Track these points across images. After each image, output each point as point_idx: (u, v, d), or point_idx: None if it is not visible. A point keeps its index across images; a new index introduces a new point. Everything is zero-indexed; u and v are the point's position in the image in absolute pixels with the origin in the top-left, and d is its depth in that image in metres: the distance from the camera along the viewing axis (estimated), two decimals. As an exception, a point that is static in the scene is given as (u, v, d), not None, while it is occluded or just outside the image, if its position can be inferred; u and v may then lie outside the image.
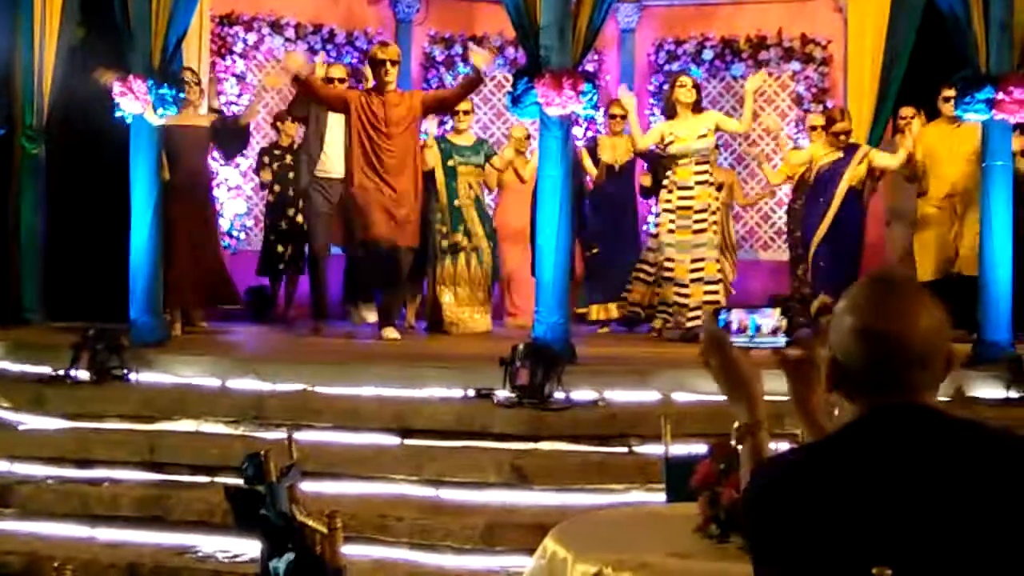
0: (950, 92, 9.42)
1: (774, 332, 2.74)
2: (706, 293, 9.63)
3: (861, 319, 2.27)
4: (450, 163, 10.46)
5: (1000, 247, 7.98)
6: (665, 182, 9.96)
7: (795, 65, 13.00)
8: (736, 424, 2.65)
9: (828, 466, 2.20)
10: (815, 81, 12.93)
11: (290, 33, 12.71)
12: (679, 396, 7.13)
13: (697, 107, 9.92)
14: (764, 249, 12.99)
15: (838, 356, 2.31)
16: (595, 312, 10.89)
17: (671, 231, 9.77)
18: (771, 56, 13.05)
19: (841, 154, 9.88)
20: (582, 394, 7.30)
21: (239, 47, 12.40)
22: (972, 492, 2.13)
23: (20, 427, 7.70)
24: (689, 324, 9.59)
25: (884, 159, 9.99)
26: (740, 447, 2.63)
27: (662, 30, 13.52)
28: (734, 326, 2.76)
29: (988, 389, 7.49)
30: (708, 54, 13.21)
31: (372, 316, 9.61)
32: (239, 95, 12.31)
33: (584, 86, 7.82)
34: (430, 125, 10.86)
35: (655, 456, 5.85)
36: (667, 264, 9.79)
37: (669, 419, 4.52)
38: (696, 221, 9.70)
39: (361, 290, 9.76)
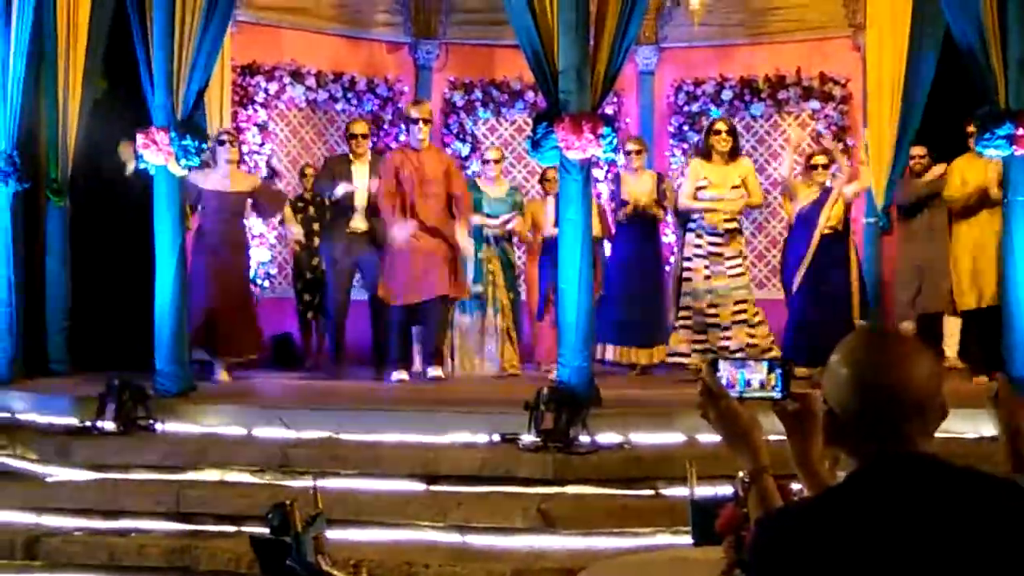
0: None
1: (763, 386, 2.75)
2: (748, 336, 9.65)
3: (857, 371, 2.29)
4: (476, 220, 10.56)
5: (1025, 282, 7.95)
6: (692, 225, 9.90)
7: (814, 104, 13.02)
8: (740, 473, 2.67)
9: (834, 518, 2.20)
10: (835, 119, 12.94)
11: (311, 82, 12.80)
12: (704, 438, 7.08)
13: (734, 154, 9.90)
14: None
15: (835, 409, 2.32)
16: (619, 354, 10.77)
17: (707, 277, 9.72)
18: (790, 95, 13.07)
19: (817, 195, 9.95)
20: (607, 437, 7.28)
21: (260, 97, 12.49)
22: (976, 541, 2.13)
23: (47, 479, 7.72)
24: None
25: (850, 187, 10.14)
26: (748, 494, 2.65)
27: (681, 71, 13.56)
28: (724, 380, 2.77)
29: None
30: (727, 94, 13.23)
31: (402, 376, 9.89)
32: (261, 144, 12.38)
33: (603, 129, 7.84)
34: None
35: (681, 499, 5.81)
36: (710, 311, 9.69)
37: (695, 461, 4.51)
38: (730, 267, 9.72)
39: (394, 351, 10.03)
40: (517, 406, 7.30)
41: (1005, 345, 8.04)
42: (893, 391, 2.25)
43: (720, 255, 9.71)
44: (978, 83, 8.08)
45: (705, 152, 9.92)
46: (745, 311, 9.71)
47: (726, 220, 9.76)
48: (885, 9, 11.39)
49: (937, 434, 2.32)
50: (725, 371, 2.79)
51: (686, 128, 13.32)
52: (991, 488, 2.23)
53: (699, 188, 9.80)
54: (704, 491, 4.45)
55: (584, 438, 7.18)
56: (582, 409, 7.26)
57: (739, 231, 9.93)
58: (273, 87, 12.57)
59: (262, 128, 12.48)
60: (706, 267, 9.71)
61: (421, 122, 9.91)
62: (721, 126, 9.91)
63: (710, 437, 7.08)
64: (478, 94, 13.50)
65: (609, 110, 12.24)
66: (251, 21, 12.39)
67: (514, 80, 13.37)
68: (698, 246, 9.78)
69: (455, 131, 13.40)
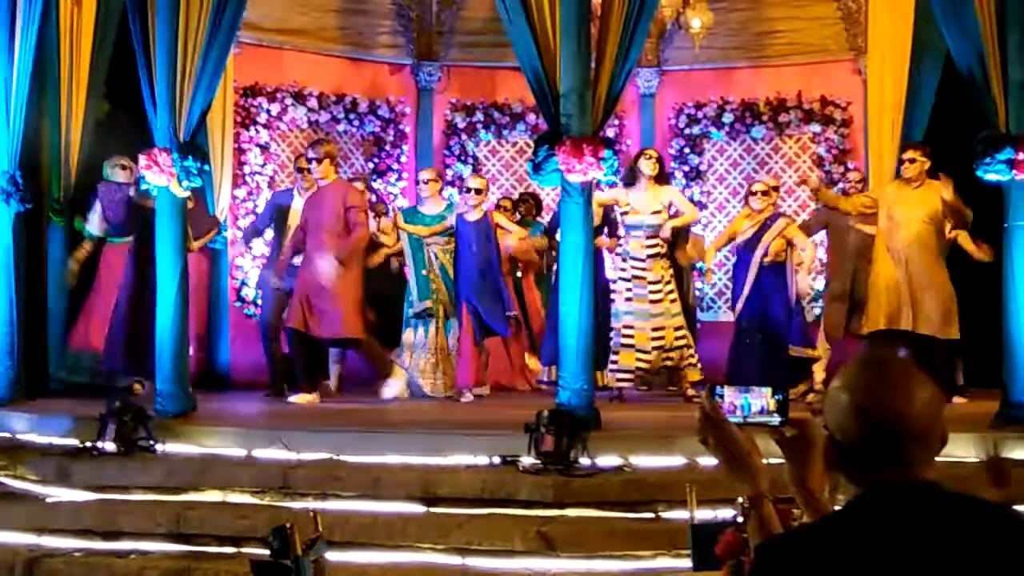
0: (909, 154, 9.64)
1: (764, 411, 2.76)
2: (664, 359, 10.08)
3: (858, 397, 2.28)
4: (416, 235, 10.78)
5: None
6: (618, 250, 10.43)
7: (815, 127, 13.03)
8: (740, 499, 2.67)
9: (833, 546, 2.19)
10: (836, 143, 12.95)
11: (313, 103, 12.81)
12: (705, 461, 7.05)
13: (659, 180, 10.24)
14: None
15: (836, 435, 2.32)
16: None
17: (628, 299, 10.10)
18: (791, 118, 13.09)
19: (757, 228, 10.27)
20: (607, 460, 7.27)
21: (263, 118, 12.50)
22: (975, 569, 2.13)
23: (47, 500, 7.71)
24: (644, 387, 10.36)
25: (797, 238, 10.34)
26: (747, 520, 2.65)
27: (682, 94, 13.59)
28: (726, 406, 2.77)
29: (1016, 451, 7.44)
30: (728, 117, 13.25)
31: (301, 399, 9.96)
32: (263, 165, 12.40)
33: (604, 152, 7.86)
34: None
35: (682, 522, 5.80)
36: (626, 331, 10.05)
37: (695, 484, 4.51)
38: (652, 292, 10.06)
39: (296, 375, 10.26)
40: (517, 428, 7.31)
41: (1005, 371, 8.04)
42: (894, 417, 2.25)
43: (643, 279, 10.08)
44: (979, 107, 8.09)
45: (628, 180, 10.20)
46: (663, 337, 10.02)
47: (647, 246, 10.09)
48: (886, 33, 11.39)
49: (939, 458, 2.32)
50: (728, 397, 2.80)
51: (687, 151, 13.34)
52: (990, 516, 2.23)
53: (622, 214, 10.24)
54: (704, 515, 4.45)
55: (584, 460, 7.17)
56: (582, 431, 7.27)
57: (662, 255, 10.16)
58: (275, 108, 12.58)
59: (264, 149, 12.49)
60: (628, 290, 10.13)
61: (315, 162, 10.21)
62: (651, 152, 10.46)
63: (710, 461, 7.04)
64: (479, 116, 13.53)
65: (610, 133, 12.23)
66: (254, 43, 12.40)
67: (515, 102, 13.40)
68: (623, 270, 10.24)
69: (456, 152, 13.43)
